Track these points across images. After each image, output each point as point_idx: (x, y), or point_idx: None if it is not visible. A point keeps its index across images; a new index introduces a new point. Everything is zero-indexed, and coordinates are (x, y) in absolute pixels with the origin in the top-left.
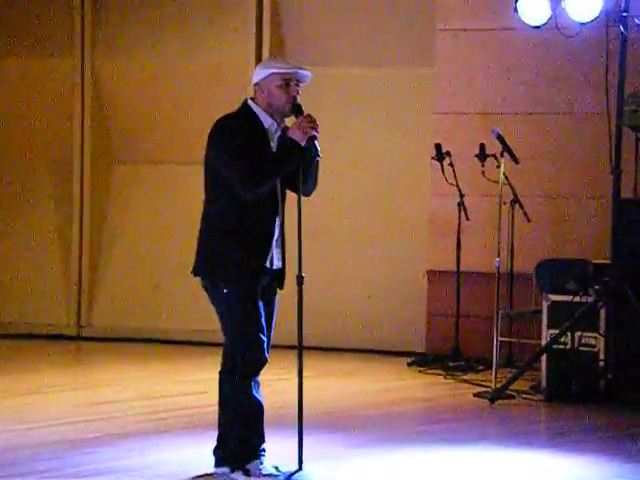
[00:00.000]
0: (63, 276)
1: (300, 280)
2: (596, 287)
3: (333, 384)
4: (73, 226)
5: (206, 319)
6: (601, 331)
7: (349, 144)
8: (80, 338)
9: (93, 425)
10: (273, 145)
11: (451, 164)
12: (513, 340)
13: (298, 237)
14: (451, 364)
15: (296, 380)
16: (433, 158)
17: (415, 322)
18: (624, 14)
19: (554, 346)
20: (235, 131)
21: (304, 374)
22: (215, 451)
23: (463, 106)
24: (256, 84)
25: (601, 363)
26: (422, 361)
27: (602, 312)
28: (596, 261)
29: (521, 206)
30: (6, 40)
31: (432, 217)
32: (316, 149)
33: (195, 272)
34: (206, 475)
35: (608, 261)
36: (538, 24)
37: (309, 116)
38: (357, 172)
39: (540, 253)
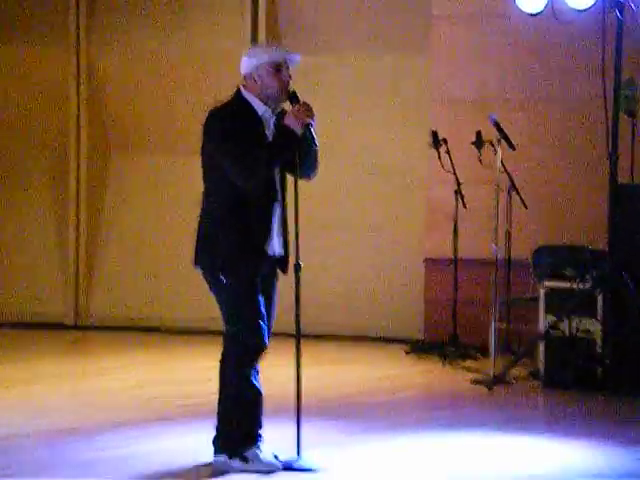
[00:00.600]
0: (61, 265)
1: (298, 268)
2: (593, 273)
3: (331, 372)
4: (70, 215)
5: (204, 307)
6: (598, 317)
7: (345, 132)
8: (78, 327)
9: (91, 413)
10: (269, 132)
11: (448, 151)
12: (511, 327)
13: (295, 225)
14: (449, 351)
15: (294, 368)
16: (430, 145)
17: (413, 309)
18: (621, 0)
19: (551, 332)
20: (230, 120)
21: (302, 362)
22: (214, 439)
23: (459, 93)
24: (247, 74)
25: (598, 349)
26: (420, 348)
27: (599, 298)
28: (593, 247)
29: (518, 193)
30: (1, 29)
31: (429, 204)
32: (312, 137)
33: (195, 262)
34: (205, 462)
35: (605, 247)
36: (535, 11)
37: (305, 104)
38: (354, 160)
39: (537, 239)
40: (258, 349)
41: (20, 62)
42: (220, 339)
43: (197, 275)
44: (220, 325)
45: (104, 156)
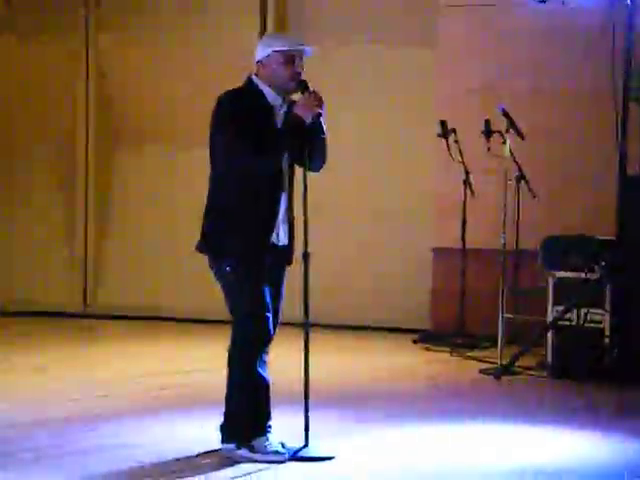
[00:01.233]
0: (68, 255)
1: (306, 257)
2: (602, 264)
3: (339, 361)
4: (78, 205)
5: (210, 296)
6: (607, 308)
7: (354, 122)
8: (85, 316)
9: (98, 402)
10: (278, 121)
11: (456, 141)
12: (519, 317)
13: (304, 214)
14: (457, 341)
15: (302, 357)
16: (438, 135)
17: (421, 299)
18: None
19: (560, 322)
20: (239, 107)
21: (310, 351)
22: (221, 428)
23: (468, 82)
24: (259, 61)
25: (606, 339)
26: (428, 338)
27: (608, 289)
28: (602, 237)
29: (527, 182)
30: (11, 22)
31: (437, 194)
32: (322, 127)
33: (199, 249)
34: (212, 451)
35: (614, 237)
36: None
37: (315, 93)
38: (362, 150)
39: (545, 230)
40: (263, 339)
41: (28, 57)
42: (225, 328)
43: (202, 265)
44: (224, 314)
45: (112, 152)
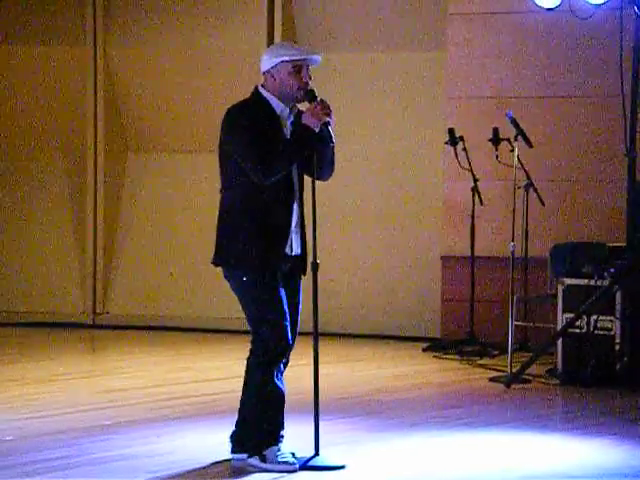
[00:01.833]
0: (78, 264)
1: (315, 267)
2: (612, 270)
3: (349, 370)
4: (87, 214)
5: (220, 307)
6: (617, 314)
7: (362, 129)
8: (95, 326)
9: (108, 412)
10: (286, 130)
11: (465, 149)
12: (528, 324)
13: (313, 223)
14: (466, 349)
15: (312, 366)
16: (446, 143)
17: (430, 307)
18: None
19: (570, 330)
20: (247, 118)
21: (320, 360)
22: (232, 436)
23: (476, 90)
24: (266, 72)
25: (617, 347)
26: (437, 346)
27: (618, 295)
28: (611, 244)
29: (535, 190)
30: (19, 28)
31: (446, 202)
32: (330, 135)
33: (215, 262)
34: (223, 461)
35: (623, 244)
36: (551, 6)
37: (323, 102)
38: (370, 157)
39: (555, 237)
40: (281, 348)
41: (37, 62)
42: (236, 338)
43: (214, 274)
44: (234, 324)
45: (121, 156)
